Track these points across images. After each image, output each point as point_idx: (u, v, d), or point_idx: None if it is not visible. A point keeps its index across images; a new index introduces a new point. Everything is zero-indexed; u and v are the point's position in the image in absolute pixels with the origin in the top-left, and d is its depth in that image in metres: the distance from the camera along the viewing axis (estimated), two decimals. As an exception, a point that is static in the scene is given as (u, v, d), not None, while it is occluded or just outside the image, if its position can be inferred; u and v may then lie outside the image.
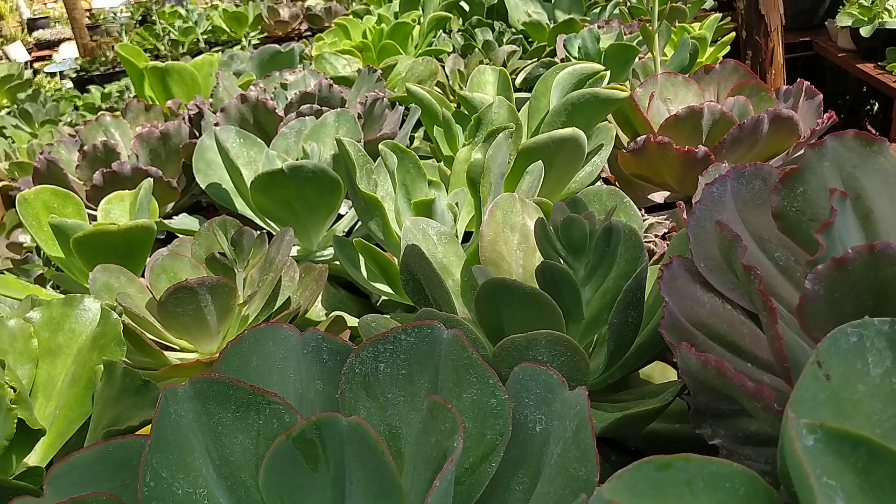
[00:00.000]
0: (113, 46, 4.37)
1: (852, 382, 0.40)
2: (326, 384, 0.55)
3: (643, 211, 1.00)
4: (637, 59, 1.54)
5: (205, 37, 3.91)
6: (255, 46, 3.38)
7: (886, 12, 2.63)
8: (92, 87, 3.44)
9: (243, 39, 3.60)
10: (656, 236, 0.92)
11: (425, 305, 0.66)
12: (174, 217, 1.26)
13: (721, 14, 1.85)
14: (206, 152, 1.14)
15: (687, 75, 1.18)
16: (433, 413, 0.46)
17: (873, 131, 4.31)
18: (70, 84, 4.46)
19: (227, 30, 3.91)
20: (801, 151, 0.82)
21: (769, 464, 0.49)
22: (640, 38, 1.49)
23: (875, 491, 0.36)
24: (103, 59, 4.37)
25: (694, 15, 2.00)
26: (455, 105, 1.20)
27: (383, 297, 0.96)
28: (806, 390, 0.40)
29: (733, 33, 1.67)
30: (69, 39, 7.64)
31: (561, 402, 0.48)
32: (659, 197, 1.10)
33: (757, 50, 1.96)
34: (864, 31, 2.69)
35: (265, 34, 3.78)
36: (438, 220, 0.83)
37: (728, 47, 1.64)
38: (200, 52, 3.75)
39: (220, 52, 2.80)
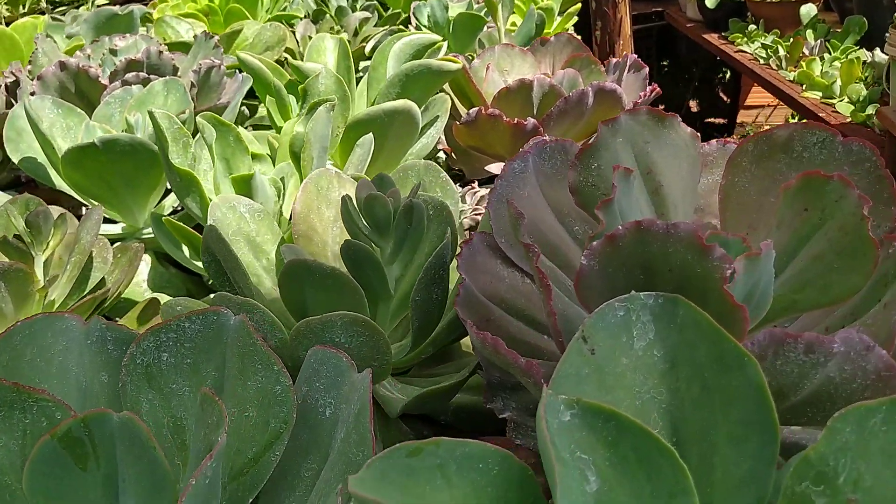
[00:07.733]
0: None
1: (617, 356, 0.41)
2: (112, 376, 0.52)
3: (475, 183, 1.01)
4: (486, 28, 1.54)
5: (48, -5, 3.64)
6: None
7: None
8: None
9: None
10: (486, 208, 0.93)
11: (228, 287, 0.64)
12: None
13: (569, -16, 1.87)
14: (17, 122, 1.06)
15: (525, 47, 1.19)
16: (203, 406, 0.44)
17: (725, 98, 4.54)
18: None
19: (73, -12, 3.66)
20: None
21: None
22: (487, 7, 1.49)
23: (622, 464, 0.37)
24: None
25: (544, -15, 2.02)
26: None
27: (212, 276, 0.93)
28: (570, 365, 0.41)
29: (579, 4, 1.69)
30: None
31: (349, 385, 0.47)
32: (496, 168, 1.11)
33: (606, 20, 2.01)
34: (710, 3, 2.82)
35: (115, -6, 3.55)
36: (259, 195, 0.80)
37: (576, 18, 1.67)
38: (43, 13, 3.49)
39: (64, 15, 2.61)
